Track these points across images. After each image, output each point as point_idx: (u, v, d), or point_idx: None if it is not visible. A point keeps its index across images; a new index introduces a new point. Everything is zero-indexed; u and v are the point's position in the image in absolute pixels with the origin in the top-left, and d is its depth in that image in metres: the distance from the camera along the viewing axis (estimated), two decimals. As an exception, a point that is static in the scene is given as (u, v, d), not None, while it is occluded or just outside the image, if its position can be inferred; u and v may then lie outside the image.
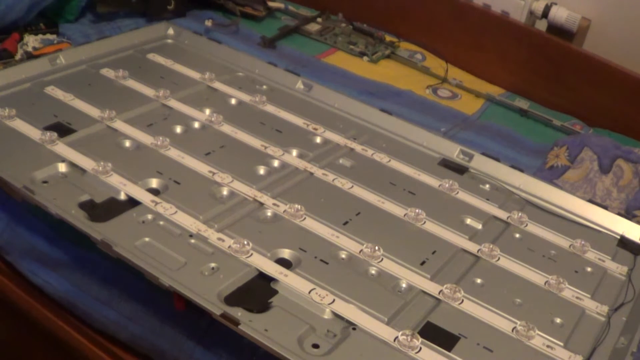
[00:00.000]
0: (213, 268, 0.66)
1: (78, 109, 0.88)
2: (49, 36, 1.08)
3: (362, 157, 0.89)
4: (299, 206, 0.75)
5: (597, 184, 0.95)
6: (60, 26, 1.13)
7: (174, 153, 0.82)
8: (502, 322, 0.66)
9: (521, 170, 0.89)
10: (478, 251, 0.75)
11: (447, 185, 0.85)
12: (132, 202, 0.73)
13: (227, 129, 0.89)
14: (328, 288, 0.65)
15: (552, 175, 0.97)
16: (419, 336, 0.61)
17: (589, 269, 0.76)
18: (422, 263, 0.71)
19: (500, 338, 0.64)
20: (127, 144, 0.83)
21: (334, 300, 0.64)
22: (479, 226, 0.80)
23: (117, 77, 0.97)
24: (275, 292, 0.64)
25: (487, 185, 0.87)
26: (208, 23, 1.21)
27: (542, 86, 1.18)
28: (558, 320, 0.67)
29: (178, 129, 0.88)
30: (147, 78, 0.98)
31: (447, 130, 1.03)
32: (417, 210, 0.78)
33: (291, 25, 1.29)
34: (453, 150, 0.92)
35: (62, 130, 0.83)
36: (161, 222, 0.71)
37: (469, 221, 0.80)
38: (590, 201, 0.86)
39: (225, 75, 1.03)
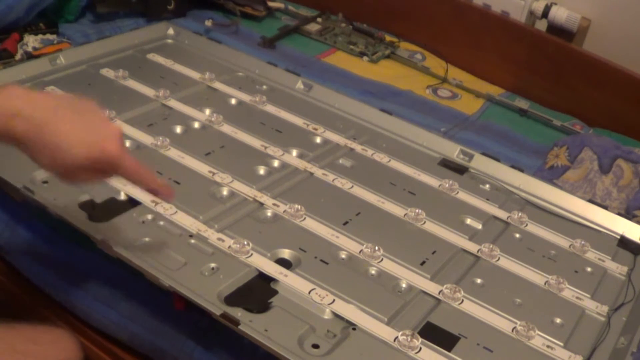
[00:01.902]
0: (213, 268, 0.66)
1: (78, 109, 0.88)
2: (49, 36, 1.08)
3: (362, 157, 0.89)
4: (299, 206, 0.75)
5: (597, 184, 0.95)
6: (60, 26, 1.12)
7: (174, 153, 0.82)
8: (502, 322, 0.66)
9: (521, 170, 0.89)
10: (478, 251, 0.75)
11: (447, 185, 0.85)
12: (132, 202, 0.73)
13: (227, 129, 0.89)
14: (328, 288, 0.65)
15: (552, 175, 0.97)
16: (419, 336, 0.61)
17: (589, 269, 0.76)
18: (422, 263, 0.71)
19: (500, 338, 0.64)
20: (127, 144, 0.83)
21: (334, 301, 0.64)
22: (479, 226, 0.80)
23: (117, 77, 0.97)
24: (275, 292, 0.64)
25: (487, 185, 0.87)
26: (208, 23, 1.21)
27: (542, 86, 1.18)
28: (558, 320, 0.67)
29: (178, 129, 0.88)
30: (147, 78, 0.98)
31: (447, 130, 1.03)
32: (417, 210, 0.78)
33: (291, 25, 1.29)
34: (453, 150, 0.92)
35: (62, 130, 0.82)
36: (161, 222, 0.71)
37: (469, 221, 0.80)
38: (590, 201, 0.86)
39: (225, 75, 1.03)
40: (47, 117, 0.54)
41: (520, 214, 0.82)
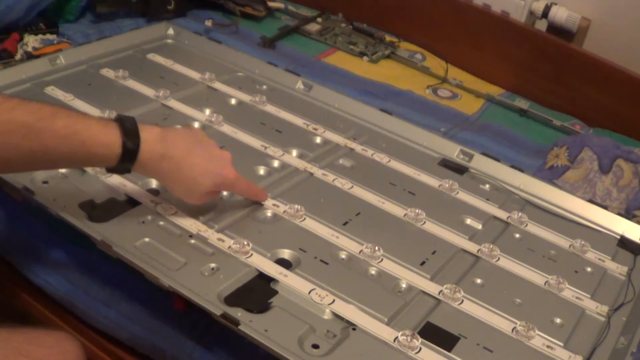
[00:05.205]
0: (213, 268, 0.66)
1: (78, 109, 0.88)
2: (49, 36, 1.08)
3: (362, 157, 0.89)
4: (299, 206, 0.75)
5: (597, 184, 0.95)
6: (60, 26, 1.13)
7: (174, 153, 0.82)
8: (502, 322, 0.66)
9: (521, 170, 0.89)
10: (478, 251, 0.75)
11: (447, 185, 0.85)
12: (132, 203, 0.73)
13: (227, 129, 0.89)
14: (328, 288, 0.65)
15: (552, 175, 0.97)
16: (418, 336, 0.61)
17: (589, 269, 0.76)
18: (422, 263, 0.71)
19: (500, 338, 0.64)
20: (127, 144, 0.83)
21: (334, 301, 0.64)
22: (479, 226, 0.80)
23: (117, 77, 0.97)
24: (275, 292, 0.64)
25: (487, 185, 0.87)
26: (208, 23, 1.22)
27: (542, 86, 1.18)
28: (558, 320, 0.67)
29: (178, 129, 0.87)
30: (147, 78, 0.98)
31: (447, 130, 1.03)
32: (417, 210, 0.78)
33: (291, 25, 1.29)
34: (453, 150, 0.92)
35: (62, 130, 0.82)
36: (161, 223, 0.71)
37: (469, 221, 0.80)
38: (590, 201, 0.86)
39: (225, 75, 1.03)
40: (183, 155, 0.66)
41: (520, 214, 0.81)
